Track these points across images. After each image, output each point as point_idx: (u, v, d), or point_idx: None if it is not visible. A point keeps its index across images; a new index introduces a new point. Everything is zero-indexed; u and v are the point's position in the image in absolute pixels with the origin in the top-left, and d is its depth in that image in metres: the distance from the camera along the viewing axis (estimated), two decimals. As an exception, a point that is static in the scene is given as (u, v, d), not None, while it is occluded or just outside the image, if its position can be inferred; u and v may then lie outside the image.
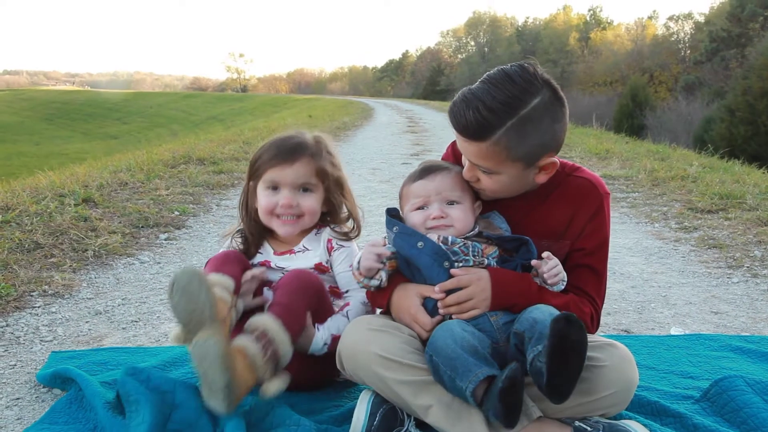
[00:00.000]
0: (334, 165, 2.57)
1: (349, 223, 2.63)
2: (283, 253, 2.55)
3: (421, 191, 2.26)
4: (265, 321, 2.15)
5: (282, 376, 2.09)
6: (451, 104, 2.12)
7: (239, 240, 2.61)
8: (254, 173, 2.53)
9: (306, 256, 2.54)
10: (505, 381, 1.77)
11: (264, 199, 2.49)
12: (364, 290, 2.38)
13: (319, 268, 2.53)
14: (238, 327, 2.24)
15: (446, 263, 2.12)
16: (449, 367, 1.91)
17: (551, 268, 2.10)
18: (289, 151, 2.47)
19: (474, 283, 2.09)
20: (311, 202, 2.50)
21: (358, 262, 2.21)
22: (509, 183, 2.17)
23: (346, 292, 2.52)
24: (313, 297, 2.33)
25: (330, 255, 2.54)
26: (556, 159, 2.17)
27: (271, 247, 2.58)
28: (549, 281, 2.11)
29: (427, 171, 2.30)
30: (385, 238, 2.28)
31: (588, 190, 2.28)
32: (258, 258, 2.57)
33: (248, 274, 2.41)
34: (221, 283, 2.23)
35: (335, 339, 2.29)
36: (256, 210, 2.55)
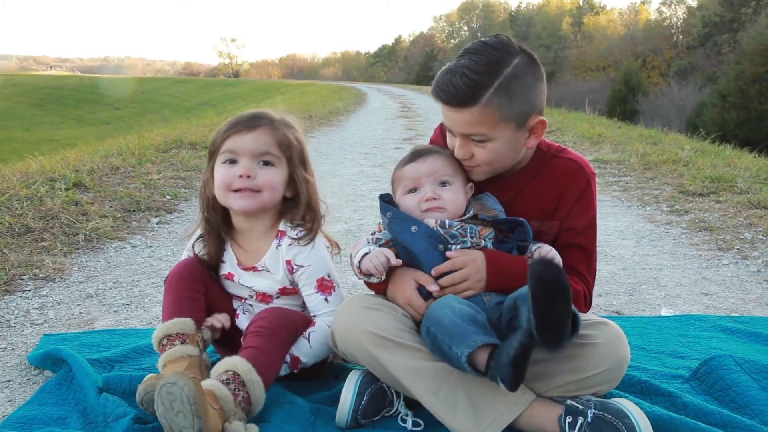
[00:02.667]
0: (297, 138, 2.35)
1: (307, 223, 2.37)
2: (247, 269, 2.38)
3: (412, 174, 2.26)
4: (236, 362, 2.02)
5: (252, 425, 1.95)
6: (435, 81, 2.13)
7: (199, 251, 2.43)
8: (212, 151, 2.33)
9: (270, 278, 2.36)
10: (519, 348, 1.74)
11: (220, 173, 2.26)
12: (331, 312, 2.32)
13: (285, 291, 2.39)
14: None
15: (441, 246, 2.12)
16: (447, 336, 1.89)
17: (546, 254, 2.11)
18: (248, 118, 2.29)
19: (469, 264, 2.09)
20: (271, 176, 2.27)
21: (360, 261, 2.14)
22: (504, 149, 2.16)
23: (314, 316, 2.37)
24: (289, 339, 2.23)
25: (292, 275, 2.36)
26: (544, 118, 2.20)
27: (235, 256, 2.40)
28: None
29: (418, 154, 2.30)
30: (380, 224, 2.27)
31: (574, 170, 2.29)
32: (223, 269, 2.42)
33: (209, 321, 2.30)
34: (182, 329, 2.18)
35: (294, 360, 2.23)
36: (215, 198, 2.33)
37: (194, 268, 2.35)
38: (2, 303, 3.28)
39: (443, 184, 2.23)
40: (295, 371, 2.25)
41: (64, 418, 2.14)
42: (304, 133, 2.43)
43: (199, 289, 2.30)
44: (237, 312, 2.46)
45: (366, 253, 2.13)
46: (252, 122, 2.28)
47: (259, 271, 2.37)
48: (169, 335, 2.17)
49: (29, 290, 3.47)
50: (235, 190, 2.25)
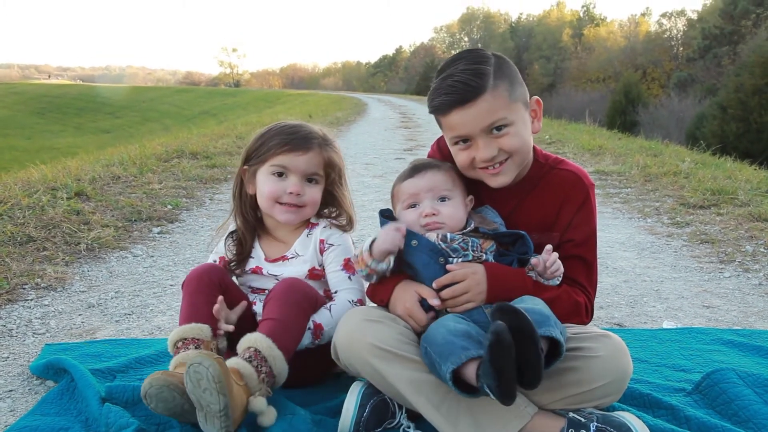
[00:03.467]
0: (340, 157, 2.55)
1: (342, 219, 2.59)
2: (275, 260, 2.50)
3: (412, 189, 2.28)
4: (257, 339, 2.12)
5: (272, 409, 2.07)
6: (435, 92, 2.18)
7: (231, 244, 2.55)
8: (258, 157, 2.46)
9: (299, 262, 2.48)
10: (492, 336, 1.70)
11: (269, 184, 2.43)
12: (353, 290, 2.38)
13: (313, 273, 2.48)
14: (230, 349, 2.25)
15: (441, 260, 2.13)
16: (437, 354, 1.90)
17: (553, 262, 2.12)
18: (302, 139, 2.43)
19: (469, 276, 2.10)
20: (315, 193, 2.47)
21: (370, 245, 2.16)
22: (524, 132, 2.20)
23: (335, 292, 2.45)
24: (308, 307, 2.30)
25: (322, 256, 2.48)
26: (538, 97, 2.30)
27: (263, 251, 2.53)
28: (547, 274, 2.13)
29: (417, 169, 2.32)
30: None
31: (573, 182, 2.31)
32: (250, 263, 2.52)
33: (223, 314, 2.31)
34: (198, 334, 2.22)
35: (317, 327, 2.29)
36: (252, 197, 2.50)
37: (212, 273, 2.39)
38: (4, 312, 3.28)
39: (442, 199, 2.25)
40: (318, 341, 2.29)
41: (66, 428, 2.13)
42: (340, 151, 2.60)
43: (217, 293, 2.33)
44: (254, 301, 2.50)
45: (374, 240, 2.16)
46: (306, 144, 2.43)
47: (288, 259, 2.49)
48: (185, 339, 2.22)
49: (31, 299, 3.47)
50: (282, 202, 2.42)
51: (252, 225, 2.55)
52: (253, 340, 2.12)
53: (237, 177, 2.56)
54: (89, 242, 4.48)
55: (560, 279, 2.18)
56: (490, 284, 2.10)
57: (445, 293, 2.10)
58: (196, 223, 5.43)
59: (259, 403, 2.02)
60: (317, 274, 2.48)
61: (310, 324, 2.28)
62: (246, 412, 2.01)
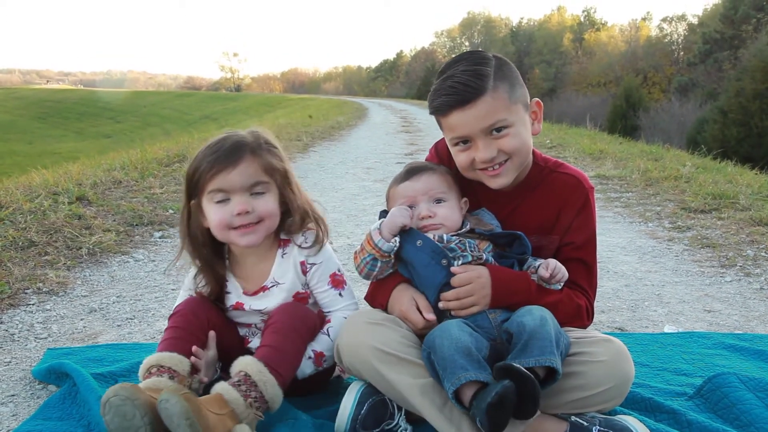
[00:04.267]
0: (280, 158, 2.30)
1: (310, 233, 2.36)
2: (255, 293, 2.34)
3: (407, 192, 2.29)
4: (247, 363, 2.04)
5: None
6: (435, 93, 2.19)
7: (200, 283, 2.37)
8: (194, 188, 2.24)
9: (280, 291, 2.33)
10: (495, 397, 1.76)
11: (214, 213, 2.21)
12: (346, 308, 2.35)
13: (298, 297, 2.35)
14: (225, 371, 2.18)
15: (444, 261, 2.14)
16: (441, 367, 1.92)
17: (558, 269, 2.15)
18: (228, 152, 2.19)
19: (474, 280, 2.11)
20: (266, 204, 2.24)
21: (380, 224, 2.17)
22: (524, 133, 2.20)
23: (329, 312, 2.37)
24: (306, 333, 2.23)
25: (305, 276, 2.35)
26: (538, 99, 2.30)
27: (239, 284, 2.36)
28: (553, 281, 2.15)
29: (412, 172, 2.33)
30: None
31: (573, 185, 2.32)
32: (229, 300, 2.37)
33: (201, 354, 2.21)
34: (177, 366, 2.10)
35: (318, 355, 2.25)
36: (206, 231, 2.28)
37: (198, 308, 2.30)
38: (6, 317, 3.28)
39: (438, 201, 2.27)
40: (321, 367, 2.27)
41: (68, 432, 2.13)
42: (280, 147, 2.36)
43: (203, 330, 2.26)
44: (246, 338, 2.44)
45: (382, 221, 2.18)
46: (234, 157, 2.20)
47: (269, 288, 2.33)
48: (161, 366, 2.10)
49: (33, 304, 3.47)
50: (235, 227, 2.21)
51: (211, 262, 2.34)
52: (243, 364, 2.04)
53: (183, 213, 2.32)
54: (91, 247, 4.49)
55: (563, 284, 2.19)
56: (494, 288, 2.11)
57: (449, 295, 2.10)
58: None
59: (242, 430, 1.92)
60: (302, 297, 2.36)
61: (311, 353, 2.24)
62: None
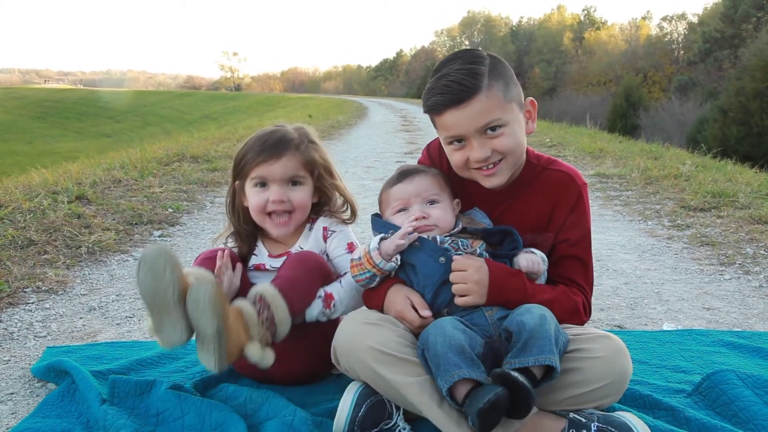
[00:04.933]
0: (320, 153, 2.53)
1: (345, 211, 2.61)
2: (279, 255, 2.50)
3: (401, 194, 2.30)
4: (264, 287, 2.17)
5: (269, 350, 2.10)
6: (430, 92, 2.19)
7: (231, 243, 2.58)
8: (240, 172, 2.50)
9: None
10: (487, 404, 1.78)
11: (254, 197, 2.45)
12: None
13: None
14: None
15: (442, 259, 2.14)
16: (434, 365, 1.93)
17: (529, 261, 2.16)
18: (273, 145, 2.44)
19: (471, 267, 2.10)
20: (301, 196, 2.47)
21: (378, 243, 2.17)
22: (518, 133, 2.20)
23: (344, 274, 2.46)
24: (318, 275, 2.34)
25: (325, 243, 2.52)
26: (532, 98, 2.30)
27: (266, 248, 2.55)
28: (533, 270, 2.16)
29: (404, 174, 2.34)
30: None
31: (566, 182, 2.32)
32: (252, 260, 2.54)
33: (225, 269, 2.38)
34: (198, 274, 2.18)
35: (328, 296, 2.33)
36: (246, 210, 2.52)
37: (224, 249, 2.46)
38: (5, 315, 3.28)
39: (431, 202, 2.27)
40: (328, 311, 2.34)
41: (67, 430, 2.14)
42: (323, 145, 2.58)
43: (229, 263, 2.41)
44: None
45: (383, 238, 2.18)
46: (278, 150, 2.43)
47: (291, 252, 2.47)
48: None
49: (32, 303, 3.47)
50: (270, 214, 2.44)
51: (249, 238, 2.56)
52: (260, 288, 2.18)
53: (229, 191, 2.58)
54: (90, 246, 4.49)
55: (546, 264, 2.22)
56: (491, 282, 2.10)
57: (450, 277, 2.11)
58: (197, 227, 5.44)
59: (253, 348, 2.06)
60: None
61: (321, 293, 2.33)
62: (242, 351, 2.05)
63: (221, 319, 1.94)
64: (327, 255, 2.51)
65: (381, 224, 2.30)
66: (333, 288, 2.36)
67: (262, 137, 2.48)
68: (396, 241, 2.14)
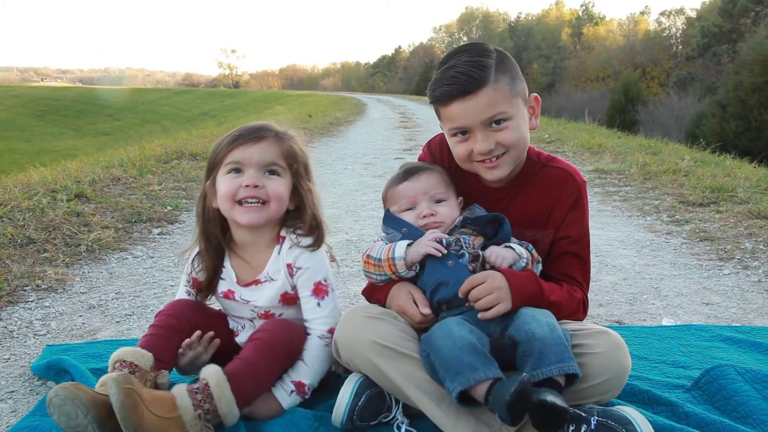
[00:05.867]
0: (303, 151, 2.33)
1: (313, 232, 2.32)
2: (248, 284, 2.32)
3: (408, 192, 2.30)
4: (212, 373, 2.02)
5: None
6: (436, 83, 2.18)
7: (198, 267, 2.37)
8: (214, 162, 2.28)
9: (272, 287, 2.30)
10: (514, 395, 1.75)
11: (225, 184, 2.21)
12: (322, 319, 2.28)
13: (286, 297, 2.31)
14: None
15: (450, 263, 2.14)
16: (443, 367, 1.92)
17: (498, 256, 2.14)
18: (252, 131, 2.25)
19: (489, 279, 2.07)
20: (277, 186, 2.23)
21: (405, 253, 2.14)
22: (523, 127, 2.20)
23: (306, 321, 2.30)
24: (285, 360, 2.20)
25: (293, 279, 2.30)
26: (536, 94, 2.30)
27: (234, 271, 2.34)
28: (497, 265, 2.13)
29: (410, 172, 2.34)
30: (381, 238, 2.29)
31: (565, 180, 2.33)
32: (221, 286, 2.36)
33: (188, 341, 2.24)
34: (138, 360, 2.10)
35: (298, 385, 2.20)
36: (216, 213, 2.30)
37: (184, 308, 2.32)
38: (5, 314, 3.28)
39: (438, 201, 2.28)
40: (306, 396, 2.22)
41: (67, 428, 2.13)
42: (305, 144, 2.39)
43: (183, 330, 2.26)
44: (235, 331, 2.44)
45: (409, 244, 2.16)
46: (257, 134, 2.24)
47: (261, 283, 2.31)
48: (124, 361, 2.10)
49: (32, 301, 3.47)
50: (241, 202, 2.20)
51: (215, 242, 2.34)
52: (208, 372, 2.02)
53: (201, 194, 2.36)
54: (89, 244, 4.49)
55: (538, 266, 2.22)
56: (511, 286, 2.07)
57: (472, 294, 2.07)
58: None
59: None
60: (290, 298, 2.32)
61: (291, 386, 2.19)
62: None
63: (132, 427, 1.80)
64: (295, 289, 2.32)
65: (394, 220, 2.30)
66: (301, 374, 2.21)
67: (240, 127, 2.30)
68: (430, 251, 2.12)
